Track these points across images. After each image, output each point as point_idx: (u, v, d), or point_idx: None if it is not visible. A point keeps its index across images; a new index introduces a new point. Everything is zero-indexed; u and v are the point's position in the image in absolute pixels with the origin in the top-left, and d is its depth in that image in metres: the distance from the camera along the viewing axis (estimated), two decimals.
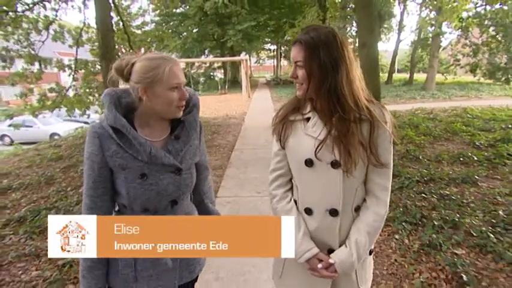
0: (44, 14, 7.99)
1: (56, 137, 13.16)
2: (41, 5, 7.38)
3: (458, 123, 7.21)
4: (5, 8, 6.63)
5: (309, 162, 1.03)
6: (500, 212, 3.15)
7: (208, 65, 30.52)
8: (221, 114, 11.48)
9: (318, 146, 1.00)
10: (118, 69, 1.07)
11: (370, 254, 1.15)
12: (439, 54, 18.08)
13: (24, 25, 7.73)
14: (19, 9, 6.82)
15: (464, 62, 20.66)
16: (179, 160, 1.11)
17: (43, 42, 7.47)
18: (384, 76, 26.62)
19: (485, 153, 4.98)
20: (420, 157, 5.01)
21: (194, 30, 24.41)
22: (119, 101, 1.09)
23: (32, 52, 7.55)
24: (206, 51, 28.88)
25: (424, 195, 3.67)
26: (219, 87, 22.12)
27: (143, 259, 1.12)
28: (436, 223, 3.03)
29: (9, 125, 14.03)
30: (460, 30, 17.89)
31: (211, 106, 14.01)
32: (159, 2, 13.17)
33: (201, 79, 27.39)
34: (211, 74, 31.88)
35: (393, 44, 23.86)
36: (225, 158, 5.78)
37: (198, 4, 20.33)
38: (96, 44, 8.93)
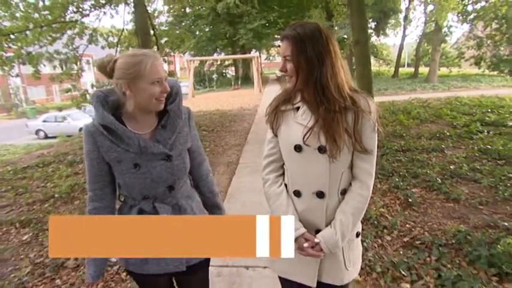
0: (83, 21, 9.32)
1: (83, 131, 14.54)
2: (83, 14, 8.66)
3: (445, 109, 8.19)
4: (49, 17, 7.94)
5: (297, 148, 1.10)
6: (451, 167, 4.24)
7: (219, 62, 31.77)
8: (236, 107, 12.67)
9: (306, 133, 1.07)
10: (101, 67, 1.12)
11: (357, 236, 1.22)
12: (440, 48, 18.72)
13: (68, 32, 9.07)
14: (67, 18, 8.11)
15: (469, 55, 21.27)
16: (169, 147, 1.17)
17: (87, 45, 8.76)
18: (391, 70, 27.32)
19: (458, 131, 6.02)
20: (404, 134, 6.07)
21: (207, 30, 25.59)
22: (106, 100, 1.14)
23: (76, 54, 8.85)
24: (218, 49, 30.06)
25: (398, 158, 4.77)
26: (232, 83, 23.36)
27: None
28: (401, 174, 4.15)
29: (57, 119, 15.53)
30: (467, 23, 18.48)
31: (226, 100, 15.25)
32: (180, 2, 14.14)
33: (214, 76, 28.69)
34: (223, 71, 33.17)
35: (400, 39, 24.48)
36: (242, 139, 6.97)
37: (211, 5, 21.45)
38: (125, 44, 10.30)
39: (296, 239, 1.10)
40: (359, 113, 1.05)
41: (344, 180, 1.12)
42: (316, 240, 1.10)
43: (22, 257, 2.91)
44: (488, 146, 4.91)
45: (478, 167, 4.19)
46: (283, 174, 1.22)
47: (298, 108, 1.13)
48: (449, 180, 3.87)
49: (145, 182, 1.14)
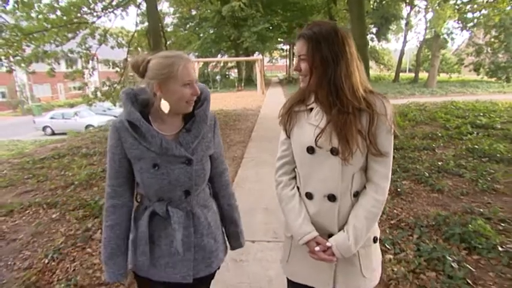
0: (94, 22, 9.78)
1: (91, 128, 14.93)
2: (97, 15, 9.11)
3: (440, 112, 8.58)
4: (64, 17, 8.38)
5: (310, 149, 1.08)
6: (439, 163, 4.62)
7: (222, 64, 32.28)
8: (240, 107, 13.08)
9: (318, 134, 1.05)
10: (134, 66, 1.13)
11: (374, 241, 1.17)
12: (439, 54, 19.15)
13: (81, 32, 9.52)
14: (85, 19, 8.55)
15: (469, 61, 21.70)
16: (190, 152, 1.16)
17: (99, 45, 9.20)
18: (391, 75, 27.72)
19: (450, 132, 6.40)
20: (399, 135, 6.45)
21: (211, 32, 26.09)
22: (136, 98, 1.15)
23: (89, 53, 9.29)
24: (222, 51, 30.54)
25: None
26: (236, 85, 23.83)
27: (159, 248, 1.18)
28: (393, 168, 4.52)
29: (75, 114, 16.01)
30: (467, 30, 18.92)
31: (230, 101, 15.67)
32: (187, 4, 14.53)
33: (217, 77, 29.18)
34: (226, 73, 33.67)
35: (401, 45, 24.92)
36: (246, 136, 7.37)
37: (216, 8, 21.91)
38: (134, 45, 10.75)
39: (308, 243, 1.10)
40: (374, 115, 1.02)
41: (356, 182, 1.10)
42: (328, 244, 1.08)
43: (54, 231, 3.30)
44: (476, 146, 5.29)
45: (464, 164, 4.57)
46: (296, 176, 1.20)
47: (311, 109, 1.12)
48: (436, 175, 4.25)
49: (163, 183, 1.13)
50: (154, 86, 1.09)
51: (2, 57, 7.24)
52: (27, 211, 3.82)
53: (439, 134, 6.28)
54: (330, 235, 1.12)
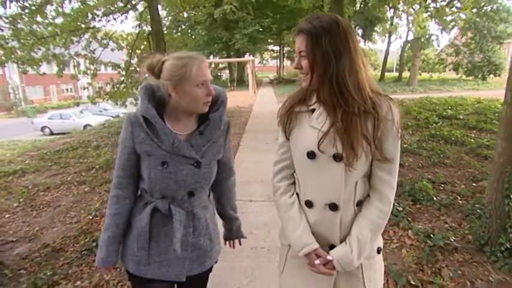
0: (97, 26, 10.48)
1: (89, 127, 15.47)
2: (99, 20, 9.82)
3: (415, 106, 9.56)
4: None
5: (311, 154, 1.01)
6: (405, 145, 5.54)
7: (214, 65, 33.06)
8: (233, 105, 13.89)
9: (321, 138, 0.98)
10: (150, 67, 1.15)
11: (378, 252, 1.12)
12: (420, 54, 20.34)
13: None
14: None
15: (450, 61, 22.98)
16: (200, 154, 1.17)
17: (104, 48, 9.90)
18: (378, 74, 28.93)
19: (419, 122, 7.36)
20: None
21: (203, 34, 26.83)
22: (153, 94, 1.17)
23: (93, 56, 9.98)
24: (214, 53, 31.30)
25: None
26: (229, 85, 24.66)
27: (157, 245, 1.20)
28: None
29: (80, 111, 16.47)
30: (447, 32, 20.13)
31: None
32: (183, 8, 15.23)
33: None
34: (218, 74, 34.45)
35: (391, 45, 26.12)
36: (241, 129, 8.21)
37: (208, 11, 22.66)
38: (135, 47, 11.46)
39: (307, 255, 1.05)
40: (380, 118, 0.95)
41: (359, 190, 1.03)
42: (329, 257, 1.02)
43: (89, 199, 4.07)
44: (438, 132, 6.24)
45: (424, 146, 5.50)
46: (295, 182, 1.13)
47: (313, 110, 1.04)
48: (401, 154, 5.11)
49: (169, 182, 1.14)
50: (169, 87, 1.11)
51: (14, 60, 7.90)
52: (61, 187, 4.58)
53: (410, 124, 7.22)
54: (331, 246, 1.06)
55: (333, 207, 1.02)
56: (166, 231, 1.19)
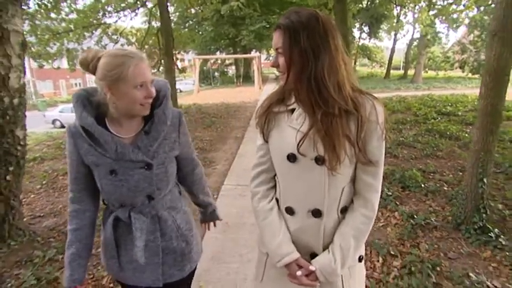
0: (108, 22, 10.87)
1: None
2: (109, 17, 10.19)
3: (416, 103, 9.77)
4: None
5: (291, 157, 0.95)
6: (401, 139, 5.81)
7: (220, 61, 33.39)
8: (239, 101, 14.24)
9: (300, 140, 0.91)
10: (83, 63, 1.04)
11: (360, 261, 1.07)
12: (425, 52, 20.38)
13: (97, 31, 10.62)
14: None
15: (455, 59, 22.95)
16: (150, 155, 1.10)
17: (115, 44, 10.29)
18: (384, 72, 29.00)
19: (418, 118, 7.60)
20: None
21: (210, 30, 27.13)
22: (89, 100, 1.08)
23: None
24: (220, 49, 31.62)
25: None
26: (235, 81, 25.00)
27: (126, 253, 1.16)
28: None
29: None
30: (453, 30, 20.14)
31: (230, 95, 16.82)
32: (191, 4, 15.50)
33: (216, 74, 30.31)
34: (225, 69, 34.81)
35: (398, 43, 26.11)
36: (245, 123, 8.54)
37: (215, 7, 22.94)
38: (143, 43, 11.85)
39: (288, 265, 0.99)
40: (363, 118, 0.89)
41: (345, 196, 0.98)
42: (311, 268, 0.97)
43: None
44: (434, 127, 6.49)
45: (419, 139, 5.76)
46: (274, 186, 1.08)
47: (293, 110, 0.98)
48: (397, 147, 5.43)
49: (122, 190, 1.08)
50: (104, 87, 1.02)
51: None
52: None
53: (409, 120, 7.47)
54: (313, 254, 1.01)
55: (317, 213, 0.97)
56: (132, 238, 1.14)
